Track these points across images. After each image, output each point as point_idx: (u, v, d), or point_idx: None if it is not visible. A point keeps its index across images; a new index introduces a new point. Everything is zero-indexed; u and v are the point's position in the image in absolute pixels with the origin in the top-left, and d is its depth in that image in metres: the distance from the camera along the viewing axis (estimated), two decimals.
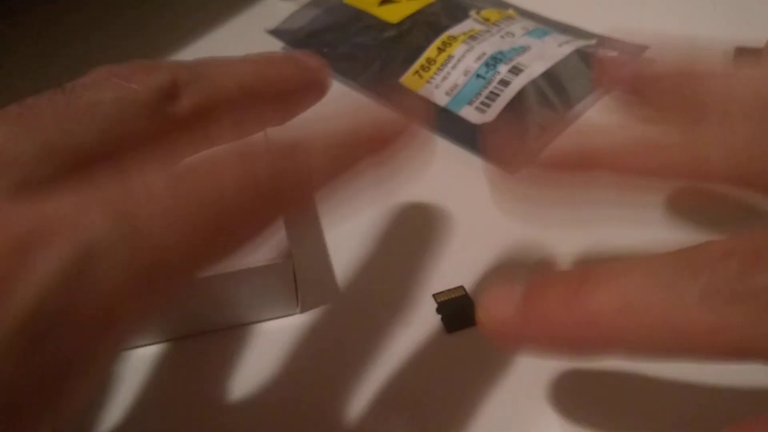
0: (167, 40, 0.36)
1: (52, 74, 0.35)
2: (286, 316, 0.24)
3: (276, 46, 0.35)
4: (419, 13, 0.35)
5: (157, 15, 0.38)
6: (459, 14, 0.34)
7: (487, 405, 0.21)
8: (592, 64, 0.32)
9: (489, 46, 0.32)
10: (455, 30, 0.33)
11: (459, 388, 0.22)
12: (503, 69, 0.31)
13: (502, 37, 0.33)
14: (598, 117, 0.31)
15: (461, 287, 0.24)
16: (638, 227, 0.25)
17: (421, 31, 0.33)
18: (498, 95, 0.30)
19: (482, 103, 0.30)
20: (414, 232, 0.27)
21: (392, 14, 0.35)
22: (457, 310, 0.24)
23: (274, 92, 0.19)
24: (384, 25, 0.34)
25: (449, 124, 0.30)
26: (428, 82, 0.31)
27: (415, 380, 0.22)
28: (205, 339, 0.23)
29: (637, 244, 0.23)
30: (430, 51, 0.32)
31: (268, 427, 0.21)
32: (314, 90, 0.20)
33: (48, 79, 0.34)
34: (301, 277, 0.25)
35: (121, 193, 0.14)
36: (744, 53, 0.34)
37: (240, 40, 0.36)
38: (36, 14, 0.39)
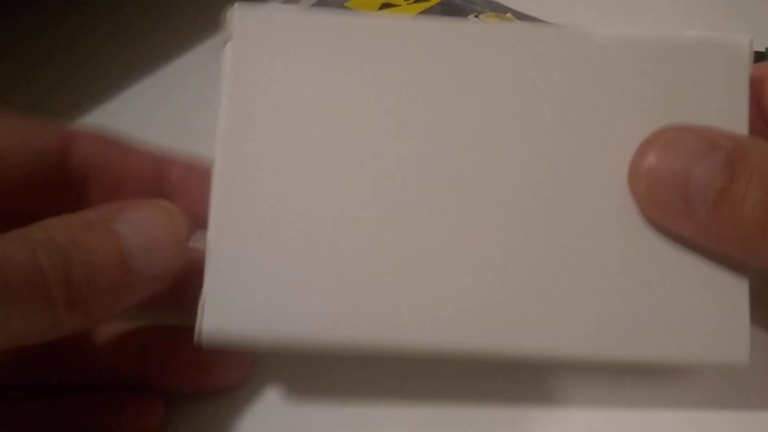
0: (171, 43, 0.36)
1: (55, 76, 0.35)
2: None
3: None
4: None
5: (159, 18, 0.39)
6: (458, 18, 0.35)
7: (485, 401, 0.22)
8: None
9: None
10: None
11: (458, 385, 0.22)
12: None
13: None
14: None
15: None
16: None
17: None
18: None
19: None
20: None
21: None
22: None
23: None
24: None
25: None
26: None
27: (415, 377, 0.22)
28: None
29: None
30: None
31: None
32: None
33: (50, 81, 0.34)
34: None
35: None
36: None
37: None
38: (34, 16, 0.39)
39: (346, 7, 0.37)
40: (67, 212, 0.18)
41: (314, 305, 0.18)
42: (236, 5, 0.20)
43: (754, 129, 0.20)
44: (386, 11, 0.36)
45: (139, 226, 0.18)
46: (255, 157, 0.19)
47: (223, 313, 0.18)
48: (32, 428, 0.20)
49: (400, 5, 0.36)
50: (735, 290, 0.19)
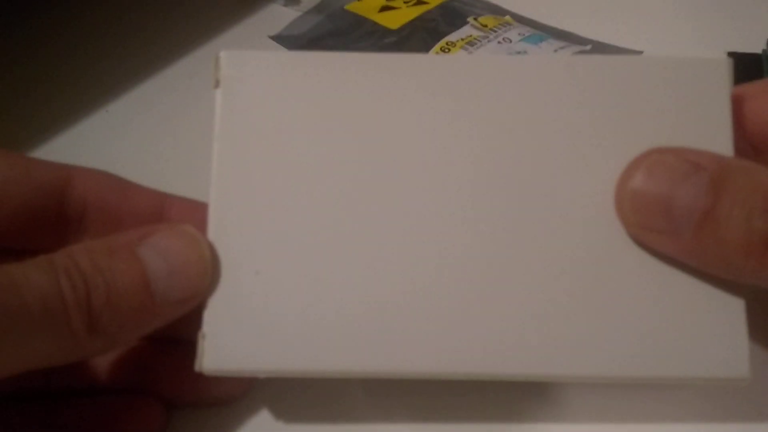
0: (171, 46, 0.36)
1: (58, 77, 0.35)
2: None
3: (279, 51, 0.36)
4: (418, 19, 0.35)
5: (161, 21, 0.39)
6: (457, 21, 0.35)
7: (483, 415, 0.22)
8: None
9: (486, 51, 0.33)
10: (453, 36, 0.34)
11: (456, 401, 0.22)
12: None
13: (499, 42, 0.33)
14: None
15: None
16: None
17: (420, 38, 0.34)
18: None
19: None
20: None
21: (392, 20, 0.36)
22: None
23: None
24: (384, 31, 0.35)
25: None
26: None
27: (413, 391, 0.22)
28: None
29: None
30: None
31: None
32: None
33: (54, 82, 0.35)
34: None
35: None
36: (737, 58, 0.34)
37: (243, 45, 0.37)
38: (36, 21, 0.39)
39: (346, 10, 0.37)
40: (65, 246, 0.18)
41: (312, 337, 0.19)
42: (224, 52, 0.20)
43: (736, 149, 0.19)
44: (385, 14, 0.36)
45: (162, 252, 0.18)
46: (248, 195, 0.19)
47: (223, 347, 0.19)
48: (33, 431, 0.20)
49: (399, 8, 0.36)
50: (732, 305, 0.19)
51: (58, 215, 0.20)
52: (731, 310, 0.19)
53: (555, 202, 0.19)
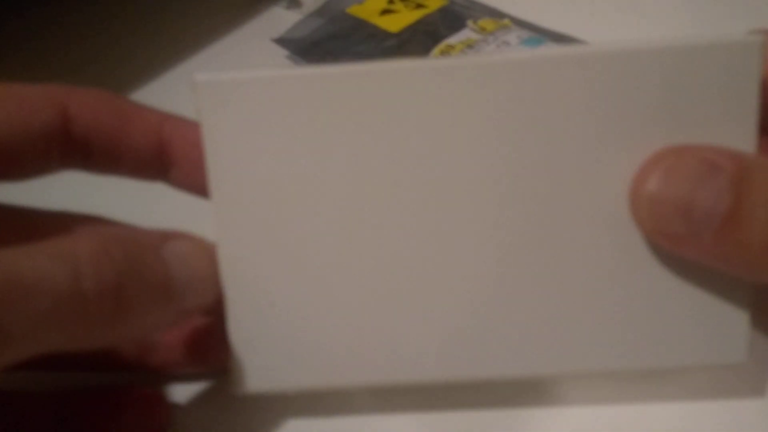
0: (174, 49, 0.37)
1: (62, 76, 0.36)
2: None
3: (281, 54, 0.36)
4: (419, 23, 0.36)
5: (164, 24, 0.39)
6: (457, 24, 0.35)
7: (478, 402, 0.22)
8: None
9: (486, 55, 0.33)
10: (453, 39, 0.34)
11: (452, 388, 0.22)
12: None
13: (498, 46, 0.34)
14: None
15: None
16: None
17: (420, 41, 0.35)
18: None
19: None
20: None
21: (393, 24, 0.36)
22: None
23: None
24: (385, 35, 0.36)
25: None
26: None
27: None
28: None
29: None
30: None
31: None
32: None
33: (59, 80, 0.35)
34: None
35: None
36: None
37: (246, 48, 0.37)
38: (38, 17, 0.40)
39: (348, 14, 0.37)
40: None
41: (333, 356, 0.20)
42: (199, 77, 0.19)
43: (764, 133, 0.19)
44: (386, 17, 0.36)
45: (182, 259, 0.18)
46: (252, 230, 0.19)
47: (254, 373, 0.20)
48: (40, 427, 0.21)
49: (400, 11, 0.37)
50: (735, 293, 0.19)
51: (64, 147, 0.20)
52: (734, 296, 0.19)
53: (567, 201, 0.19)
